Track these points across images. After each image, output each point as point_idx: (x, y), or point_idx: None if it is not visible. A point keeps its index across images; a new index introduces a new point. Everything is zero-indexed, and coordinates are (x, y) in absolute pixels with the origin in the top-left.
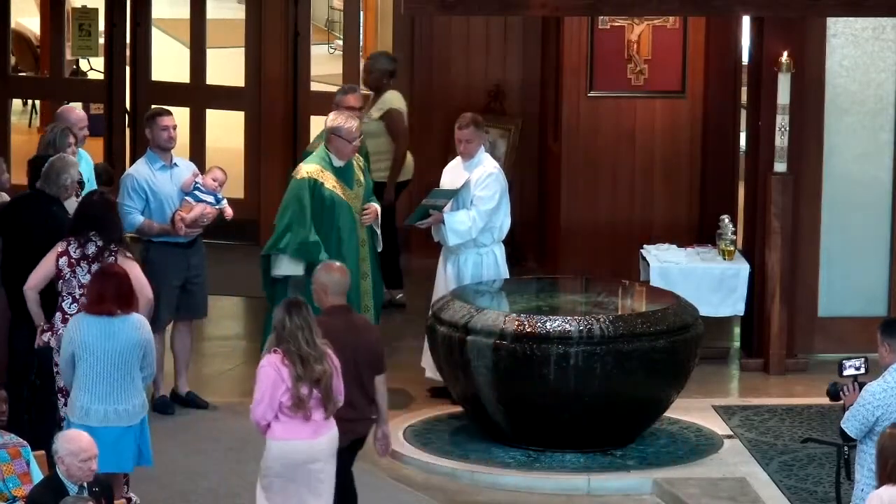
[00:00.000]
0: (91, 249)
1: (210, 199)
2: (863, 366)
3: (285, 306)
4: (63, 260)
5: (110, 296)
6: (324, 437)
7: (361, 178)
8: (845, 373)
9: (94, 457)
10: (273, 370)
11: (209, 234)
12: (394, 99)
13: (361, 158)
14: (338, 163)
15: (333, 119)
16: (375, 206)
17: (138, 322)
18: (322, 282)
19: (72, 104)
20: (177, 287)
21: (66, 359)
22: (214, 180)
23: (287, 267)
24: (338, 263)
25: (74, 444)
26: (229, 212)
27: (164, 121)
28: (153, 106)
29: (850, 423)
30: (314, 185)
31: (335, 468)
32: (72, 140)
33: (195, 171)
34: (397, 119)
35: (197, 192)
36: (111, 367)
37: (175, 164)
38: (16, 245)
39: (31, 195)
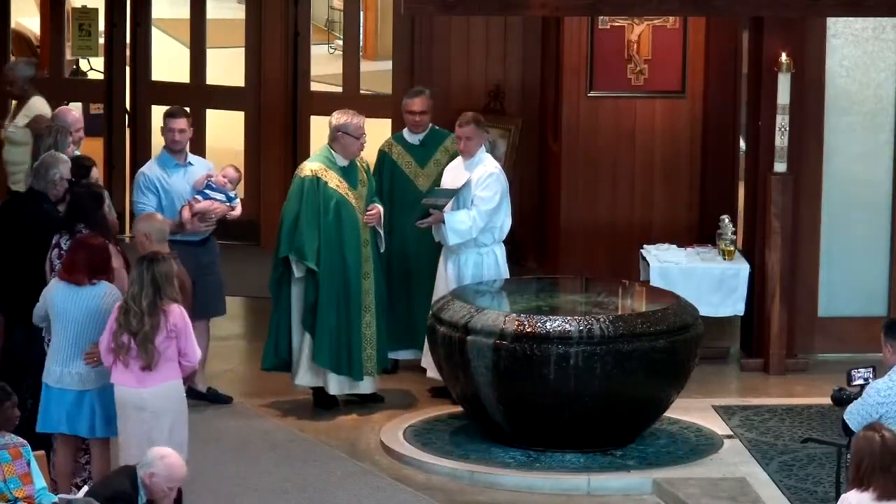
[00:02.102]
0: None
1: (220, 196)
2: (870, 376)
3: (137, 259)
4: (55, 252)
5: (81, 265)
6: (150, 388)
7: (365, 179)
8: (854, 382)
9: (178, 487)
10: (112, 317)
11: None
12: (41, 105)
13: (365, 159)
14: (342, 162)
15: (340, 116)
16: (379, 207)
17: (104, 291)
18: (144, 230)
19: (70, 105)
20: None
21: (38, 315)
22: (224, 177)
23: (300, 268)
24: (159, 215)
25: (174, 471)
26: (236, 212)
27: (171, 123)
28: (171, 106)
29: (853, 417)
30: (317, 183)
31: (175, 421)
32: (70, 141)
33: (210, 169)
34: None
35: (207, 191)
36: (72, 332)
37: (190, 162)
38: (12, 244)
39: (25, 194)
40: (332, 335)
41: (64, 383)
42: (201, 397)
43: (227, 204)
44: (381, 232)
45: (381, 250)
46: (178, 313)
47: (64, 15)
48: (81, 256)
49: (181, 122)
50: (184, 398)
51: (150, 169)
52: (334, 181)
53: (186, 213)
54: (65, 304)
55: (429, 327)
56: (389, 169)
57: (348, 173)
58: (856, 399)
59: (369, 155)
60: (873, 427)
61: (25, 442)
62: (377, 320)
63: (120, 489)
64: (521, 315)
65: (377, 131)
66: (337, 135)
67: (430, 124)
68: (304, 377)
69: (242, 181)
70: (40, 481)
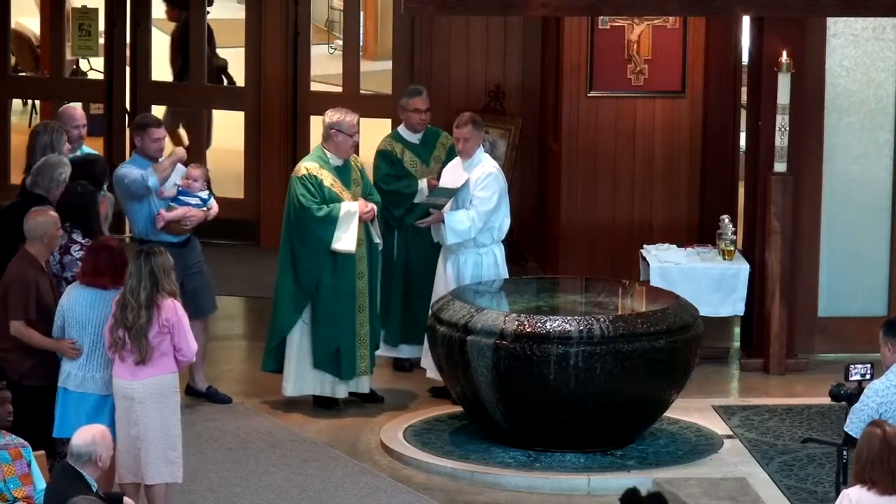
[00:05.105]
0: (64, 239)
1: (195, 201)
2: (868, 372)
3: (135, 253)
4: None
5: (104, 269)
6: (139, 381)
7: (359, 178)
8: (851, 377)
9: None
10: (111, 312)
11: (208, 234)
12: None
13: (359, 158)
14: (336, 161)
15: (332, 114)
16: (373, 205)
17: None
18: (56, 223)
19: (72, 104)
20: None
21: (57, 325)
22: (188, 178)
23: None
24: (43, 208)
25: (108, 440)
26: (213, 211)
27: (155, 133)
28: (145, 113)
29: (854, 426)
30: (314, 180)
31: (160, 414)
32: (65, 138)
33: (182, 174)
34: None
35: (181, 197)
36: (93, 336)
37: None
38: (11, 250)
39: (24, 200)
40: (322, 334)
41: (86, 387)
42: (201, 396)
43: (203, 208)
44: (374, 229)
45: (380, 246)
46: (171, 308)
47: (64, 15)
48: (104, 260)
49: (162, 131)
50: (176, 392)
51: (133, 172)
52: (329, 180)
53: (160, 223)
54: (86, 308)
55: (429, 327)
56: (397, 164)
57: (342, 173)
58: (853, 394)
59: (366, 155)
60: (876, 423)
61: (26, 443)
62: (372, 322)
63: (74, 492)
64: (521, 315)
65: (377, 131)
66: (330, 133)
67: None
68: (296, 387)
69: (242, 181)
70: (41, 482)
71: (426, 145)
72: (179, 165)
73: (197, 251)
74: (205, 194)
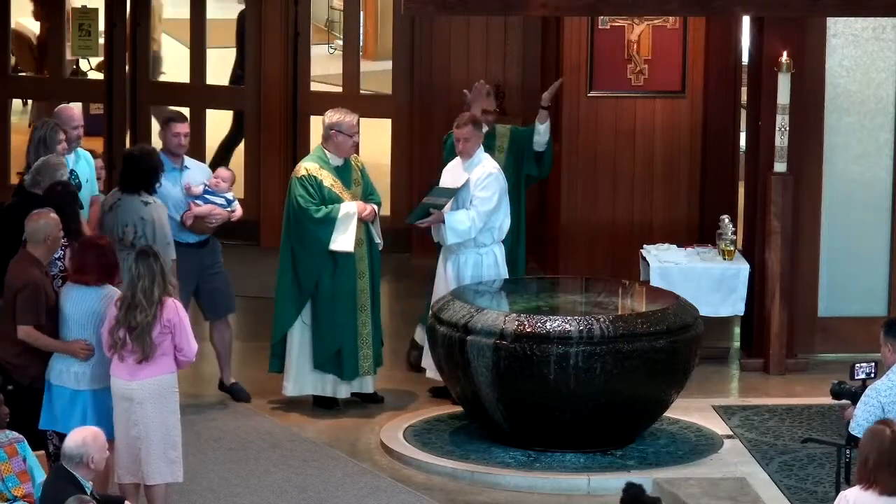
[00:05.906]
0: None
1: (220, 201)
2: (873, 371)
3: (135, 254)
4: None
5: (90, 267)
6: (138, 381)
7: (360, 178)
8: (857, 376)
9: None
10: (112, 314)
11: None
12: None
13: (359, 158)
14: (336, 161)
15: (332, 115)
16: (373, 206)
17: (107, 294)
18: (56, 226)
19: (70, 104)
20: (189, 289)
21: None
22: (217, 177)
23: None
24: (45, 210)
25: (101, 441)
26: (237, 214)
27: (176, 127)
28: (170, 108)
29: (861, 427)
30: (313, 181)
31: (160, 414)
32: (62, 137)
33: (208, 175)
34: None
35: (206, 195)
36: (72, 331)
37: (186, 166)
38: (11, 251)
39: (22, 201)
40: (322, 335)
41: (62, 381)
42: (226, 390)
43: (227, 209)
44: (375, 229)
45: (380, 246)
46: (172, 307)
47: (64, 15)
48: (91, 258)
49: (186, 126)
50: (175, 391)
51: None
52: (329, 181)
53: (189, 219)
54: (70, 304)
55: (429, 327)
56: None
57: (342, 173)
58: (856, 392)
59: (366, 155)
60: (883, 422)
61: (21, 437)
62: (373, 321)
63: (67, 493)
64: (521, 315)
65: (377, 131)
66: (330, 133)
67: None
68: (296, 387)
69: (242, 181)
70: (40, 474)
71: (488, 137)
72: (205, 167)
73: (216, 252)
74: (230, 195)
